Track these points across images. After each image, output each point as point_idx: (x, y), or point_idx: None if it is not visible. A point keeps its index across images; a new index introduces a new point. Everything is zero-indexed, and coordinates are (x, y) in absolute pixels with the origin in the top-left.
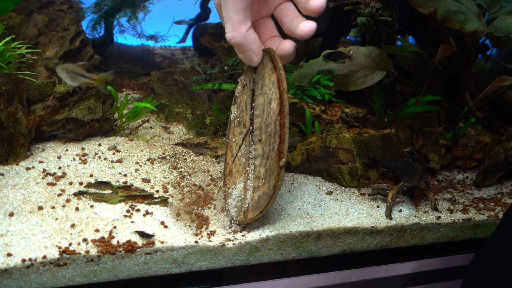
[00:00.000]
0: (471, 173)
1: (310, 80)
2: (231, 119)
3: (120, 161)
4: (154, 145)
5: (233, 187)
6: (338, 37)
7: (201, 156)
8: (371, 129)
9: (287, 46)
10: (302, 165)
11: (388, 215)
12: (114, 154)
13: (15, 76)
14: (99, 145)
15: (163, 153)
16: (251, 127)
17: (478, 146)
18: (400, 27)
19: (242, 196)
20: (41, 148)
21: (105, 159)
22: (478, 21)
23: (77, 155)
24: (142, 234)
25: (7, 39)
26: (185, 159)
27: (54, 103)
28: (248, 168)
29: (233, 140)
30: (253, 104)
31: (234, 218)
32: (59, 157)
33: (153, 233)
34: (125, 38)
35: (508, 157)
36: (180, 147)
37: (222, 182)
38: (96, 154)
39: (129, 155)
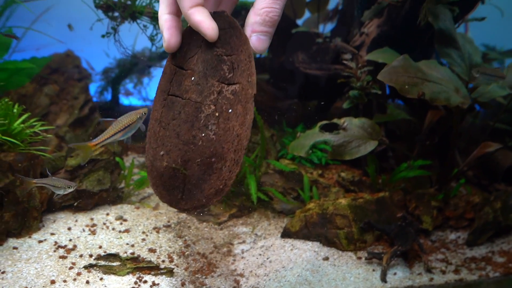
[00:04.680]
0: (463, 232)
1: (308, 151)
2: None
3: (127, 231)
4: (160, 212)
5: None
6: (332, 100)
7: (204, 223)
8: (366, 193)
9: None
10: (301, 231)
11: (383, 279)
12: (121, 223)
13: (30, 153)
14: (107, 214)
15: (168, 221)
16: None
17: (469, 206)
18: (391, 92)
19: None
20: (52, 219)
21: (113, 229)
22: (458, 96)
23: (87, 225)
24: None
25: (23, 117)
26: (189, 226)
27: (65, 176)
28: None
29: None
30: None
31: None
32: (69, 228)
33: None
34: (130, 102)
35: (497, 216)
36: (184, 214)
37: None
38: (104, 224)
39: (135, 224)
